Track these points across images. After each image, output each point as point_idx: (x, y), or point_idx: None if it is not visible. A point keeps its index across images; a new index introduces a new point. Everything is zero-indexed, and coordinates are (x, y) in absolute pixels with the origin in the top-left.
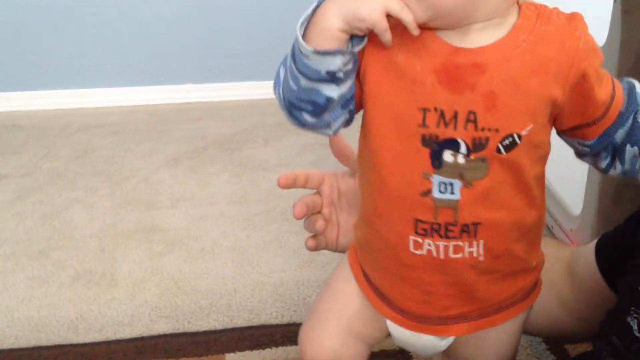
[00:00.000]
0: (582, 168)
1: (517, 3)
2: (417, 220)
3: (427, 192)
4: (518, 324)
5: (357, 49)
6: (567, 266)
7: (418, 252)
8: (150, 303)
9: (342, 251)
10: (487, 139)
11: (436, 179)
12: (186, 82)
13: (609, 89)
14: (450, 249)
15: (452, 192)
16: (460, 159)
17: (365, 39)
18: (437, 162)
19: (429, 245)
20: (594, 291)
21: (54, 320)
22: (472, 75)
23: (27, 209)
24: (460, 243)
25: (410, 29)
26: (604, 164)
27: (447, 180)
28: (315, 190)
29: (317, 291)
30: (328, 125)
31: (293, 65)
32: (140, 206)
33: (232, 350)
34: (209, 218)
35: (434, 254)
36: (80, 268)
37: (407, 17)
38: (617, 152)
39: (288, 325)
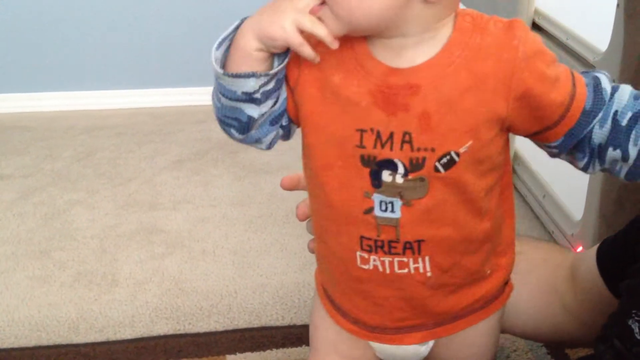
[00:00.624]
0: (583, 173)
1: (455, 12)
2: (362, 237)
3: (370, 210)
4: (494, 322)
5: (276, 70)
6: (569, 272)
7: (365, 266)
8: (151, 304)
9: None
10: (423, 159)
11: (377, 197)
12: (190, 85)
13: (566, 88)
14: (395, 265)
15: (393, 211)
16: (399, 179)
17: (286, 60)
18: (376, 181)
19: (375, 260)
20: (596, 296)
21: (55, 320)
22: (405, 96)
23: (29, 210)
24: (405, 259)
25: (327, 43)
26: (581, 164)
27: (387, 199)
28: None
29: None
30: (258, 141)
31: (215, 84)
32: (142, 208)
33: (233, 351)
34: (210, 220)
35: (380, 269)
36: (81, 268)
37: (320, 32)
38: (596, 154)
39: (288, 327)
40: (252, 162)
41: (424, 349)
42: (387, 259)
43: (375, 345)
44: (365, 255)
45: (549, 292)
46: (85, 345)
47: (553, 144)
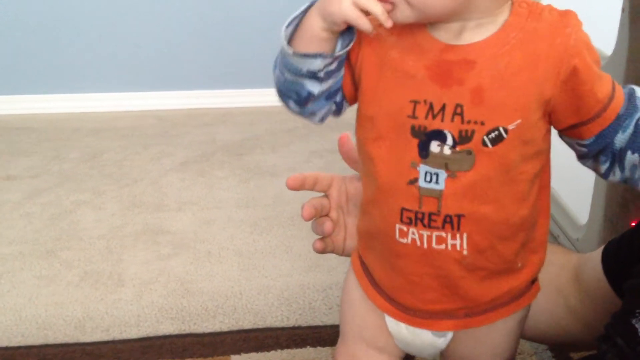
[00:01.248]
0: (588, 177)
1: (510, 0)
2: (403, 209)
3: (414, 181)
4: (514, 324)
5: (340, 53)
6: (574, 273)
7: (403, 240)
8: (157, 304)
9: (349, 255)
10: (472, 132)
11: (423, 168)
12: (196, 88)
13: (608, 88)
14: (434, 240)
15: (437, 182)
16: (447, 150)
17: (351, 44)
18: (424, 152)
19: (413, 234)
20: (600, 298)
21: (61, 319)
22: (461, 70)
23: (36, 210)
24: (443, 234)
25: (381, 21)
26: (603, 168)
27: (432, 170)
28: (323, 194)
29: (322, 295)
30: (313, 114)
31: (280, 59)
32: (148, 209)
33: (238, 351)
34: (216, 222)
35: (418, 243)
36: (87, 268)
37: (375, 9)
38: (617, 158)
39: (293, 328)
40: (258, 164)
41: (442, 341)
42: (425, 233)
43: (395, 331)
44: (405, 228)
45: (554, 293)
46: (91, 344)
47: (585, 142)
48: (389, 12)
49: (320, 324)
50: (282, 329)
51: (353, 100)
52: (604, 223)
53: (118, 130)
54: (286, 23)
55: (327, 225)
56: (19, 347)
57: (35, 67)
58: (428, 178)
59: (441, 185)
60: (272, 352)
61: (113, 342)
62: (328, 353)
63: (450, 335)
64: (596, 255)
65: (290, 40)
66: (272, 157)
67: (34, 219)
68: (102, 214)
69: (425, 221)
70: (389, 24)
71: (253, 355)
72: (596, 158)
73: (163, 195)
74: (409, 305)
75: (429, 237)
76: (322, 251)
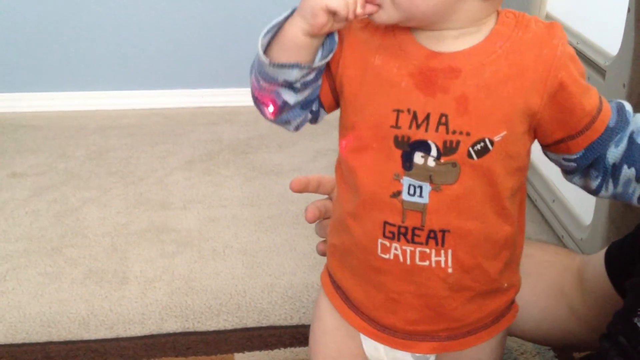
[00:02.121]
0: None
1: (497, 11)
2: (386, 223)
3: (397, 194)
4: (496, 344)
5: (319, 64)
6: (577, 274)
7: (385, 256)
8: (161, 302)
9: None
10: (457, 143)
11: (406, 180)
12: (202, 86)
13: (595, 100)
14: (417, 255)
15: (421, 196)
16: (431, 162)
17: (330, 54)
18: (407, 163)
19: (396, 249)
20: (604, 299)
21: (65, 316)
22: (446, 78)
23: (42, 207)
24: (427, 250)
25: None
26: (594, 184)
27: (416, 182)
28: (327, 196)
29: None
30: (287, 122)
31: (257, 66)
32: (153, 207)
33: (241, 350)
34: (221, 220)
35: (401, 259)
36: (92, 266)
37: (342, 11)
38: (610, 173)
39: (297, 327)
40: (263, 163)
41: None
42: (408, 248)
43: (375, 358)
44: (387, 243)
45: (557, 295)
46: (96, 341)
47: (573, 157)
48: (372, 13)
49: None
50: (286, 327)
51: (331, 109)
52: (608, 223)
53: (124, 129)
54: (264, 31)
55: None
56: (23, 344)
57: (41, 64)
58: (412, 191)
59: (425, 199)
60: (276, 351)
61: (117, 339)
62: None
63: (432, 358)
64: (599, 256)
65: (267, 49)
66: (278, 156)
67: (39, 217)
68: (107, 211)
69: (409, 236)
70: (351, 16)
71: (256, 353)
72: (586, 173)
73: (168, 194)
74: (388, 325)
75: (412, 253)
76: (326, 253)
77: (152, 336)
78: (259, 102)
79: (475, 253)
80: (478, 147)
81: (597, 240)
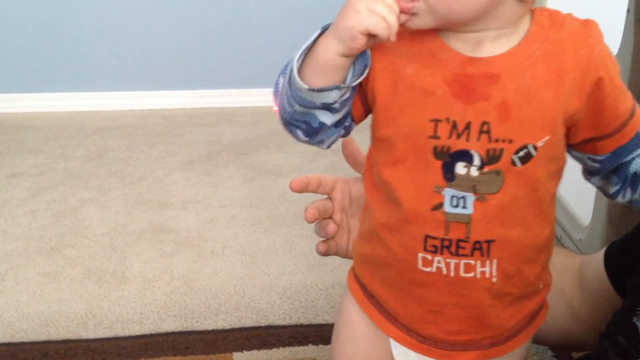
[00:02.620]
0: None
1: (531, 10)
2: (427, 237)
3: (439, 206)
4: (528, 344)
5: (358, 81)
6: (576, 275)
7: (427, 269)
8: (160, 301)
9: (352, 257)
10: (501, 151)
11: (448, 192)
12: (201, 87)
13: (629, 104)
14: (461, 267)
15: (465, 207)
16: (474, 172)
17: (366, 70)
18: (449, 174)
19: (439, 262)
20: (603, 299)
21: (64, 315)
22: (485, 85)
23: (41, 207)
24: (472, 261)
25: (387, 34)
26: (613, 189)
27: (459, 193)
28: (327, 196)
29: (325, 294)
30: (321, 142)
31: (289, 91)
32: (153, 207)
33: (240, 349)
34: (220, 220)
35: (444, 271)
36: (91, 266)
37: (390, 19)
38: (630, 181)
39: (295, 326)
40: (263, 164)
41: None
42: (452, 261)
43: None
44: (429, 256)
45: (557, 295)
46: (94, 340)
47: (599, 158)
48: (404, 22)
49: (323, 322)
50: (285, 327)
51: (361, 119)
52: (606, 224)
53: (123, 129)
54: (297, 56)
55: (331, 227)
56: (21, 343)
57: (41, 65)
58: (454, 202)
59: (469, 210)
60: (274, 350)
61: (115, 338)
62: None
63: None
64: (599, 256)
65: (301, 73)
66: (277, 156)
67: (38, 216)
68: (106, 212)
69: (453, 249)
70: (393, 38)
71: (255, 352)
72: (607, 177)
73: (167, 194)
74: (428, 336)
75: (457, 265)
76: (326, 253)
77: (150, 335)
78: (291, 126)
79: (517, 260)
80: (521, 153)
81: (596, 240)
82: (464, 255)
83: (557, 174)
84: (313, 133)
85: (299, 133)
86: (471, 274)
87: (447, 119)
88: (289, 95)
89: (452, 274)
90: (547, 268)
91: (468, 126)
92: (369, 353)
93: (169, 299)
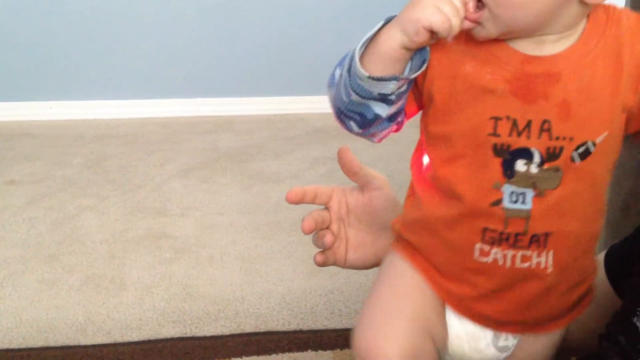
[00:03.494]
0: None
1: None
2: (486, 229)
3: (497, 202)
4: (562, 332)
5: (418, 73)
6: None
7: (484, 259)
8: (159, 308)
9: (351, 267)
10: (561, 148)
11: (507, 188)
12: (199, 96)
13: None
14: (518, 258)
15: (524, 202)
16: (533, 169)
17: (425, 64)
18: (508, 171)
19: (496, 253)
20: (604, 302)
21: (62, 322)
22: (545, 84)
23: (39, 214)
24: (529, 253)
25: (448, 33)
26: None
27: (519, 190)
28: (324, 206)
29: (324, 300)
30: (373, 135)
31: (347, 80)
32: (151, 214)
33: (239, 355)
34: (218, 227)
35: (500, 262)
36: (89, 272)
37: (454, 22)
38: None
39: (295, 332)
40: (261, 171)
41: (503, 356)
42: (510, 252)
43: (455, 339)
44: (487, 247)
45: None
46: (93, 346)
47: None
48: (468, 28)
49: (322, 327)
50: (284, 332)
51: (412, 115)
52: (606, 227)
53: (121, 137)
54: (359, 45)
55: (328, 238)
56: (19, 350)
57: (39, 74)
58: (514, 198)
59: (528, 205)
60: (274, 356)
61: (114, 344)
62: (329, 357)
63: (512, 344)
64: (599, 259)
65: (361, 62)
66: (275, 164)
67: (36, 223)
68: (104, 219)
69: (511, 241)
70: (450, 39)
71: (254, 358)
72: None
73: (166, 201)
74: (478, 311)
75: (513, 257)
76: (323, 264)
77: (149, 341)
78: (345, 117)
79: (573, 251)
80: (581, 150)
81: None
82: (521, 247)
83: (613, 166)
84: (366, 124)
85: (352, 124)
86: (526, 264)
87: (508, 117)
88: (347, 84)
89: (508, 264)
90: (594, 255)
91: (529, 124)
92: (424, 303)
93: (168, 305)
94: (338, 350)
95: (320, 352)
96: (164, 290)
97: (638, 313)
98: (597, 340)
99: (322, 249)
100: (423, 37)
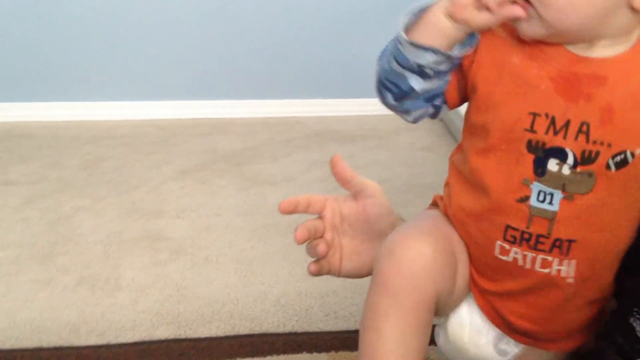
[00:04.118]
0: None
1: None
2: (508, 227)
3: (525, 199)
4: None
5: (457, 54)
6: None
7: (503, 257)
8: (153, 309)
9: (346, 275)
10: (597, 153)
11: (536, 186)
12: (196, 98)
13: None
14: (538, 262)
15: (551, 203)
16: (566, 170)
17: (469, 50)
18: (540, 169)
19: (516, 253)
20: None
21: (56, 322)
22: (590, 85)
23: (34, 215)
24: (549, 258)
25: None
26: None
27: (547, 189)
28: (317, 215)
29: (319, 302)
30: (407, 112)
31: (391, 47)
32: (147, 215)
33: (233, 356)
34: (214, 229)
35: (520, 262)
36: (84, 273)
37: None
38: None
39: (290, 334)
40: (257, 173)
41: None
42: (530, 254)
43: (459, 336)
44: (507, 246)
45: None
46: (86, 347)
47: None
48: (518, 18)
49: (317, 329)
50: (279, 334)
51: (455, 106)
52: None
53: (118, 139)
54: (408, 10)
55: (321, 247)
56: (12, 350)
57: (36, 75)
58: (541, 197)
59: (555, 207)
60: (268, 358)
61: (108, 346)
62: (324, 359)
63: (509, 357)
64: None
65: (408, 30)
66: (272, 166)
67: (31, 224)
68: (100, 219)
69: (532, 242)
70: (493, 6)
71: None
72: None
73: (162, 202)
74: (496, 309)
75: (533, 259)
76: (318, 273)
77: (143, 343)
78: (382, 87)
79: (597, 264)
80: (618, 158)
81: None
82: (542, 251)
83: None
84: (402, 96)
85: (389, 96)
86: (547, 270)
87: (547, 114)
88: (390, 50)
89: (527, 266)
90: (615, 272)
91: (567, 124)
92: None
93: (163, 307)
94: (333, 352)
95: (315, 354)
96: (159, 291)
97: (635, 313)
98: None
99: (316, 259)
100: (465, 2)
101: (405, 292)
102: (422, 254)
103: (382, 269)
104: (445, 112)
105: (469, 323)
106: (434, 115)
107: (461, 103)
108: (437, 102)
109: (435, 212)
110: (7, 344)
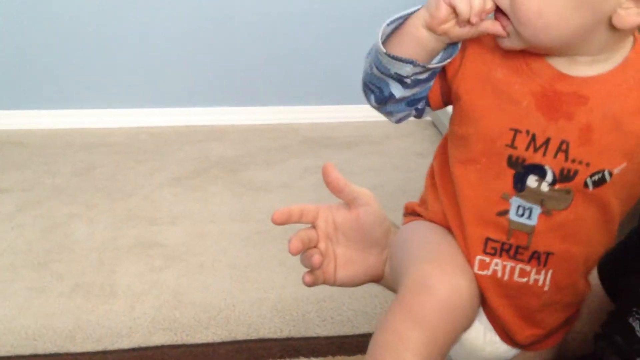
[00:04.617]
0: None
1: (634, 35)
2: (488, 239)
3: (504, 213)
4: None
5: (435, 66)
6: None
7: (483, 272)
8: (149, 315)
9: (341, 285)
10: (575, 172)
11: (515, 201)
12: (189, 105)
13: None
14: (516, 272)
15: (529, 217)
16: (544, 187)
17: (449, 59)
18: (519, 185)
19: (496, 265)
20: (598, 309)
21: (51, 329)
22: (571, 104)
23: (28, 222)
24: (527, 268)
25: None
26: None
27: (526, 204)
28: (310, 225)
29: (316, 307)
30: (390, 114)
31: (373, 52)
32: (141, 222)
33: None
34: (209, 235)
35: (499, 274)
36: (79, 280)
37: (464, 10)
38: None
39: (286, 339)
40: (251, 180)
41: (512, 353)
42: (509, 264)
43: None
44: (487, 259)
45: None
46: (82, 354)
47: None
48: (498, 35)
49: (314, 335)
50: (275, 340)
51: (438, 108)
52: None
53: (111, 146)
54: (388, 20)
55: (316, 258)
56: (8, 357)
57: (29, 83)
58: (520, 212)
59: (533, 221)
60: None
61: (104, 352)
62: None
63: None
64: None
65: (388, 40)
66: (266, 173)
67: (25, 231)
68: (94, 226)
69: (512, 252)
70: (473, 19)
71: None
72: None
73: (156, 209)
74: (493, 308)
75: (512, 269)
76: (313, 284)
77: (139, 348)
78: (367, 89)
79: (572, 273)
80: (596, 177)
81: None
82: (521, 261)
83: (632, 198)
84: (383, 101)
85: (372, 97)
86: (524, 279)
87: (527, 131)
88: (373, 56)
89: (506, 277)
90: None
91: (547, 142)
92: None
93: (159, 313)
94: (330, 357)
95: (311, 359)
96: (155, 297)
97: (634, 313)
98: (591, 347)
99: (310, 269)
100: (443, 12)
101: (441, 329)
102: (459, 288)
103: (417, 302)
104: (438, 117)
105: (478, 322)
106: (417, 116)
107: (444, 106)
108: (420, 105)
109: (436, 228)
110: (3, 351)
